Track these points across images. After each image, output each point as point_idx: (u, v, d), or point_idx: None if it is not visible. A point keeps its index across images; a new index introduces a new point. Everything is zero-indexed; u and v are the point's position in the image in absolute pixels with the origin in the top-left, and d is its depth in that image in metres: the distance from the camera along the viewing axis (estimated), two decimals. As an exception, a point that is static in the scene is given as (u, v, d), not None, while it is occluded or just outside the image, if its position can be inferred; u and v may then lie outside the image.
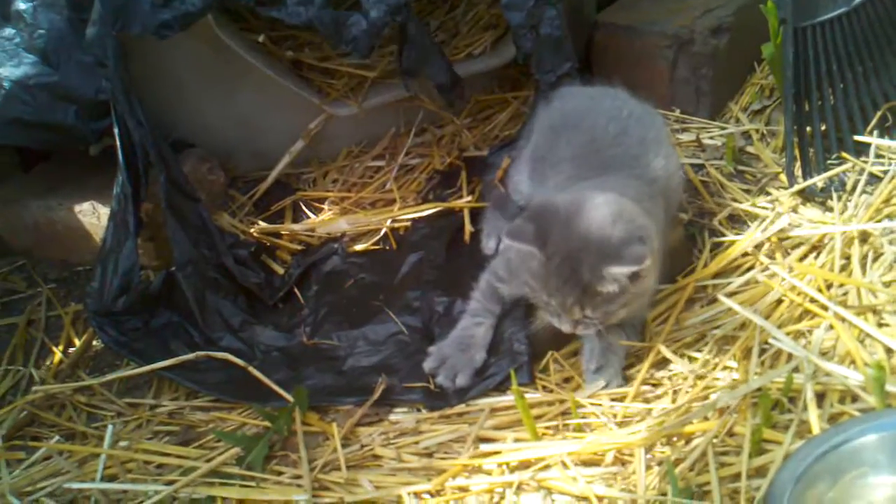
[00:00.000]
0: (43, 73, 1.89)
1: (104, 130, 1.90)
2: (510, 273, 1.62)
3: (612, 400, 1.50)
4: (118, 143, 1.78)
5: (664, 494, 1.26)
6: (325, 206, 2.18)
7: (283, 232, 2.09)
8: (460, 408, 1.57)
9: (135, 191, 1.78)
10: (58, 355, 1.91)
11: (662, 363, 1.56)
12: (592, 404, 1.49)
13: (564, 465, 1.36)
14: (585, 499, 1.31)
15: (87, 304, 1.81)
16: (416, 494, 1.39)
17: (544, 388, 1.57)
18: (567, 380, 1.58)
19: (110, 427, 1.65)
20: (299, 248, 2.06)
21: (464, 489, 1.38)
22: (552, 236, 1.45)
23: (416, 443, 1.52)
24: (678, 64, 2.17)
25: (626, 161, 1.64)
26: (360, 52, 1.85)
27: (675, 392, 1.48)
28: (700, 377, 1.48)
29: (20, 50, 1.90)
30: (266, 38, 2.19)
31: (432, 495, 1.39)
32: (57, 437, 1.70)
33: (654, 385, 1.52)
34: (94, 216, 2.06)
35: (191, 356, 1.70)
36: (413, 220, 2.02)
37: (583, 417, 1.47)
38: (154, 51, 1.91)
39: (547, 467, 1.37)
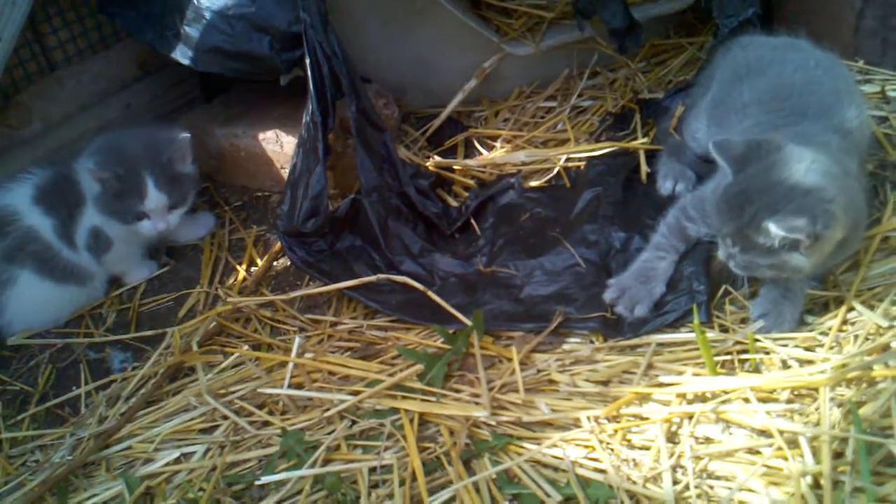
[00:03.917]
0: (241, 3, 1.94)
1: (294, 62, 1.96)
2: (700, 212, 1.64)
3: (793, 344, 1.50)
4: (310, 72, 1.84)
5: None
6: (498, 144, 2.22)
7: (456, 167, 2.14)
8: (634, 341, 1.59)
9: (323, 119, 1.84)
10: (241, 274, 2.01)
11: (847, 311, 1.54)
12: (769, 347, 1.49)
13: (746, 399, 1.38)
14: (764, 432, 1.33)
15: (278, 225, 1.89)
16: (594, 419, 1.43)
17: (720, 326, 1.58)
18: (744, 320, 1.58)
19: (297, 339, 1.73)
20: (471, 182, 2.11)
21: (640, 416, 1.42)
22: (750, 166, 1.46)
23: (592, 370, 1.55)
24: (865, 13, 2.11)
25: (821, 110, 1.61)
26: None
27: (856, 338, 1.47)
28: (886, 328, 1.46)
29: (221, -19, 1.98)
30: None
31: (609, 420, 1.43)
32: (246, 347, 1.80)
33: (839, 331, 1.50)
34: (276, 144, 2.15)
35: (373, 278, 1.78)
36: (588, 158, 2.04)
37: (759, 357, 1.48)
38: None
39: (726, 402, 1.39)
